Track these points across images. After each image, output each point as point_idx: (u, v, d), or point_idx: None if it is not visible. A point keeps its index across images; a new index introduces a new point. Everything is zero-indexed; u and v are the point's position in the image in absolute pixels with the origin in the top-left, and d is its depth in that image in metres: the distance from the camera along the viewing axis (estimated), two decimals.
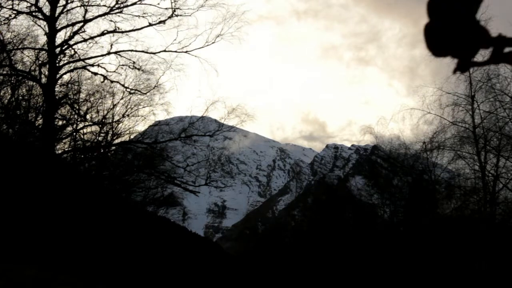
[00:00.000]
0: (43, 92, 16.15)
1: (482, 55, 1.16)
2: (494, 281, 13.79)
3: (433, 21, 1.19)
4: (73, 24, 16.70)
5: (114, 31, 17.02)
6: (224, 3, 18.88)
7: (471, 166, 17.02)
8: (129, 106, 19.23)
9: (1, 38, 15.65)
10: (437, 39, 1.19)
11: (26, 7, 15.97)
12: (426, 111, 17.69)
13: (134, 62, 17.61)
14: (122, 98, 18.98)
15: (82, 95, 18.47)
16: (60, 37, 16.66)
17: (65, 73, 17.07)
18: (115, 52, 17.31)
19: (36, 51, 16.78)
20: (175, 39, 17.73)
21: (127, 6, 17.08)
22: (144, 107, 19.54)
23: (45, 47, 16.44)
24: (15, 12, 15.82)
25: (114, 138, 19.66)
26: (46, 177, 10.65)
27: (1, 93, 16.16)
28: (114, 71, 17.70)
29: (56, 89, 16.80)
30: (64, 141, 18.50)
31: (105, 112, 19.03)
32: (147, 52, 17.74)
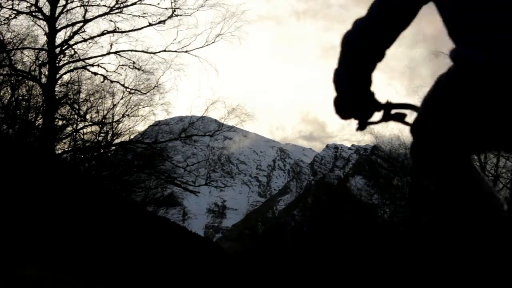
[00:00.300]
0: (43, 92, 16.15)
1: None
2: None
3: (338, 95, 1.63)
4: (73, 24, 16.70)
5: (114, 31, 17.03)
6: (224, 3, 18.97)
7: None
8: (129, 106, 19.27)
9: (1, 38, 15.66)
10: (342, 108, 1.64)
11: (26, 7, 15.97)
12: None
13: (134, 62, 17.62)
14: (122, 98, 19.01)
15: (82, 95, 18.48)
16: (60, 37, 16.66)
17: (65, 73, 17.08)
18: (115, 52, 17.32)
19: (36, 51, 16.77)
20: (175, 39, 17.75)
21: (127, 6, 17.09)
22: (144, 107, 19.59)
23: (45, 47, 16.43)
24: (15, 12, 15.82)
25: (114, 138, 19.69)
26: (45, 177, 10.66)
27: (1, 93, 16.16)
28: (114, 71, 17.72)
29: (56, 89, 16.80)
30: (64, 141, 18.51)
31: (105, 112, 19.05)
32: (147, 52, 17.76)
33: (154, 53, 17.76)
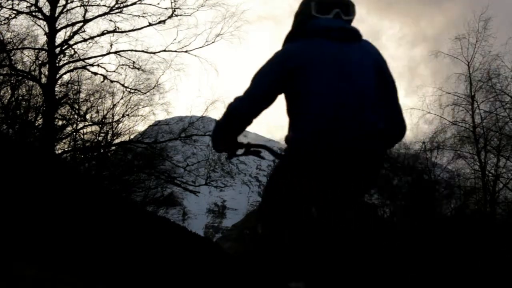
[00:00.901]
0: (43, 92, 16.14)
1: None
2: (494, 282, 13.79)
3: (214, 138, 2.40)
4: (73, 24, 16.71)
5: (114, 31, 17.04)
6: (224, 3, 19.00)
7: (471, 166, 17.04)
8: (129, 106, 19.27)
9: (1, 38, 15.64)
10: (216, 146, 2.43)
11: (26, 7, 15.98)
12: (426, 111, 17.74)
13: (134, 62, 17.64)
14: (122, 98, 19.02)
15: (82, 95, 18.48)
16: (60, 37, 16.68)
17: (65, 73, 17.09)
18: (115, 52, 17.33)
19: (36, 51, 16.78)
20: (175, 39, 17.83)
21: (127, 6, 17.11)
22: (144, 106, 19.60)
23: (45, 47, 16.44)
24: (15, 12, 15.82)
25: (114, 138, 19.67)
26: (45, 177, 10.65)
27: (1, 93, 16.15)
28: (114, 71, 17.74)
29: (56, 89, 16.81)
30: (64, 141, 18.50)
31: (105, 112, 19.05)
32: (147, 52, 17.78)
33: (154, 53, 17.78)
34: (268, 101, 2.31)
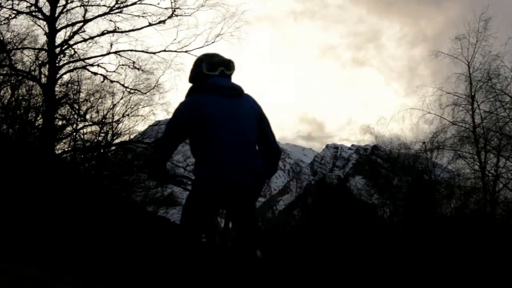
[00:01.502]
0: (43, 92, 16.14)
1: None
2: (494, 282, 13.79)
3: (149, 171, 3.28)
4: (73, 24, 16.69)
5: (114, 31, 17.01)
6: (224, 3, 18.86)
7: (471, 166, 17.02)
8: (129, 106, 19.23)
9: (1, 38, 15.64)
10: (151, 176, 3.33)
11: (26, 7, 15.96)
12: (426, 111, 17.72)
13: (134, 62, 17.58)
14: (122, 98, 18.96)
15: (82, 95, 18.44)
16: (60, 37, 16.66)
17: (65, 73, 17.06)
18: (115, 52, 17.29)
19: (36, 51, 16.76)
20: (175, 39, 17.72)
21: (127, 6, 17.07)
22: (144, 106, 19.54)
23: (45, 47, 16.42)
24: (15, 12, 15.81)
25: (114, 138, 19.64)
26: (45, 177, 10.65)
27: (1, 93, 16.14)
28: (114, 71, 17.69)
29: (56, 89, 16.79)
30: (64, 141, 18.47)
31: (105, 112, 19.01)
32: (147, 52, 17.71)
33: (154, 53, 17.73)
34: (178, 140, 3.10)
